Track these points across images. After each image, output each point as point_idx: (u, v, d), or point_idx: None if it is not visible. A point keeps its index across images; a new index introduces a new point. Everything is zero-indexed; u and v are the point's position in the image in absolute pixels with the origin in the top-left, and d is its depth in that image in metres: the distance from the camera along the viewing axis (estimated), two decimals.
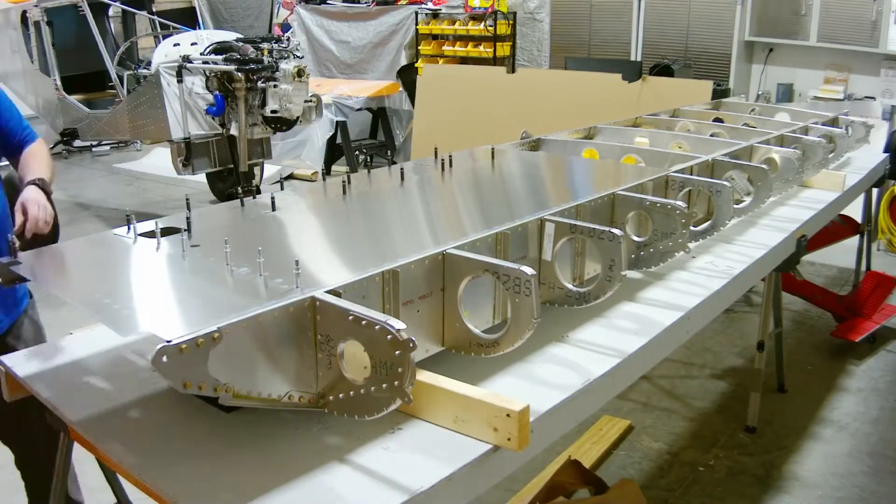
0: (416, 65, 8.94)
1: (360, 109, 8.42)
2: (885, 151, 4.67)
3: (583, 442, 3.39)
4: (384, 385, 1.42)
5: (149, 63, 5.75)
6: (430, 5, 9.31)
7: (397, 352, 1.38)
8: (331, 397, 1.53)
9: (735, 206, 2.77)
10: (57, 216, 2.28)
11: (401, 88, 8.69)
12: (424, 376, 1.61)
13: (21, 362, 1.92)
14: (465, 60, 9.06)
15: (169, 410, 1.71)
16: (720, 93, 6.58)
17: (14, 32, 7.00)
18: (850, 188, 3.72)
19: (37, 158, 2.52)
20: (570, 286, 2.03)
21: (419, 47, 9.32)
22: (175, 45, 5.62)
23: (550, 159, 2.96)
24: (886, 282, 4.83)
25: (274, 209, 2.17)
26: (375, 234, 2.07)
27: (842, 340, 4.42)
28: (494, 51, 8.88)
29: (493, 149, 3.01)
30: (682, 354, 4.24)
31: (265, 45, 5.15)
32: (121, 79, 6.12)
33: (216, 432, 1.61)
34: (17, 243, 1.75)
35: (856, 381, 4.05)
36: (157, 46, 6.08)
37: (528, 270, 1.64)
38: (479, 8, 8.90)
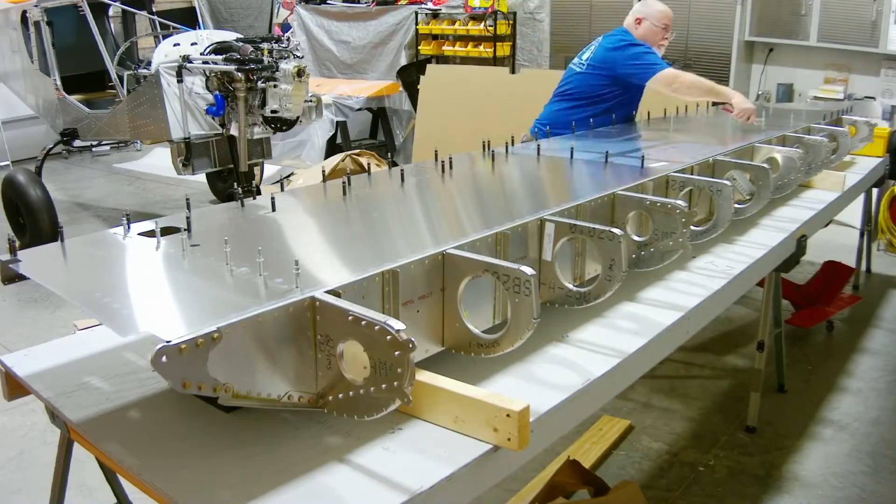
0: (428, 64, 8.93)
1: (360, 109, 8.41)
2: (886, 152, 4.67)
3: (583, 442, 3.39)
4: (383, 385, 1.42)
5: (149, 63, 5.74)
6: (430, 5, 9.31)
7: (397, 352, 1.38)
8: (330, 397, 1.53)
9: (737, 206, 2.77)
10: (57, 216, 2.30)
11: (401, 88, 8.69)
12: (424, 376, 1.61)
13: (21, 362, 1.92)
14: (465, 60, 9.06)
15: (169, 410, 1.71)
16: None
17: (14, 32, 6.99)
18: (850, 188, 3.72)
19: None
20: (570, 286, 2.03)
21: (419, 47, 9.32)
22: (175, 45, 5.62)
23: (550, 160, 2.96)
24: (843, 271, 4.84)
25: (274, 209, 2.17)
26: (375, 235, 2.07)
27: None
28: (494, 51, 8.88)
29: (493, 151, 3.01)
30: (682, 354, 4.24)
31: (265, 45, 5.14)
32: (121, 79, 6.11)
33: (216, 432, 1.61)
34: (17, 242, 1.75)
35: (856, 381, 4.04)
36: (157, 46, 6.07)
37: (528, 270, 1.64)
38: (479, 8, 8.90)
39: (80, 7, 6.18)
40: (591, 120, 3.76)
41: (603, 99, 3.94)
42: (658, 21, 3.95)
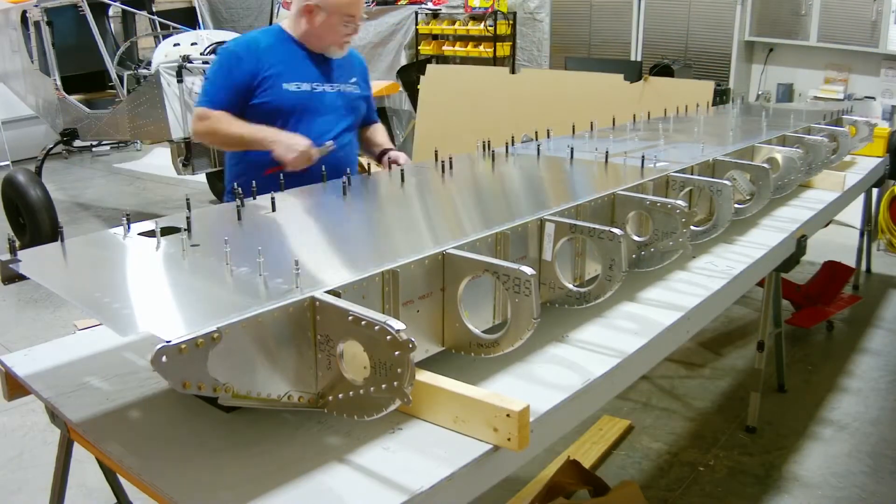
0: (428, 64, 8.93)
1: None
2: (886, 152, 4.67)
3: (583, 442, 3.39)
4: (383, 385, 1.42)
5: (149, 63, 5.75)
6: (430, 5, 9.31)
7: (396, 352, 1.38)
8: (330, 397, 1.53)
9: (737, 206, 2.77)
10: (57, 216, 2.30)
11: (401, 88, 8.69)
12: (424, 376, 1.61)
13: (21, 362, 1.92)
14: (465, 61, 9.06)
15: (169, 410, 1.71)
16: (721, 93, 6.58)
17: (14, 32, 7.00)
18: (850, 188, 3.72)
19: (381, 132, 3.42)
20: (570, 286, 2.03)
21: (419, 47, 9.32)
22: (175, 45, 5.62)
23: (550, 160, 2.96)
24: (843, 271, 4.84)
25: (274, 209, 2.16)
26: (375, 235, 2.07)
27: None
28: (494, 51, 8.88)
29: (493, 151, 3.01)
30: (682, 354, 4.24)
31: None
32: (121, 79, 6.11)
33: (216, 432, 1.61)
34: (17, 242, 1.75)
35: (856, 381, 4.04)
36: (157, 46, 6.08)
37: (528, 270, 1.64)
38: (479, 8, 8.90)
39: (80, 7, 6.18)
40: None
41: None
42: (336, 10, 2.86)
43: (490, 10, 8.81)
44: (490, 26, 8.82)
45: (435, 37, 9.34)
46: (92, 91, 7.11)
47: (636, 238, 2.36)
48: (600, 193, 2.31)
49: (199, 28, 7.26)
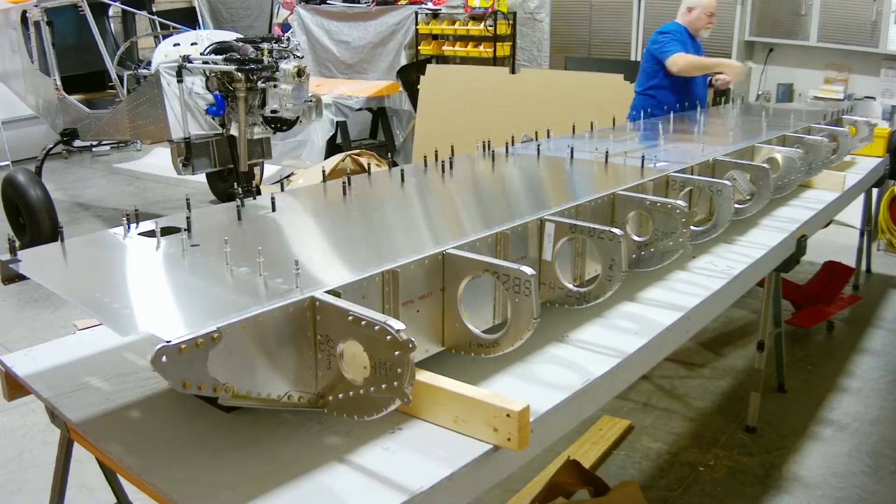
0: (428, 64, 8.94)
1: (360, 109, 8.42)
2: (886, 152, 4.67)
3: (583, 442, 3.39)
4: (383, 385, 1.42)
5: (149, 63, 5.74)
6: (430, 5, 9.31)
7: (396, 352, 1.38)
8: (330, 397, 1.53)
9: (737, 206, 2.77)
10: (57, 216, 2.29)
11: (401, 88, 8.70)
12: (424, 376, 1.61)
13: (21, 362, 1.92)
14: (465, 60, 9.07)
15: (169, 410, 1.71)
16: (721, 93, 6.57)
17: (14, 32, 6.99)
18: (850, 188, 3.72)
19: None
20: (570, 286, 2.03)
21: (419, 47, 9.32)
22: (175, 45, 5.61)
23: (550, 160, 2.96)
24: (843, 271, 4.84)
25: (274, 209, 2.17)
26: (375, 235, 2.07)
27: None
28: (494, 51, 8.88)
29: (493, 151, 3.01)
30: (682, 354, 4.24)
31: (265, 45, 5.14)
32: (121, 79, 6.11)
33: (216, 432, 1.61)
34: (17, 242, 1.75)
35: (856, 381, 4.04)
36: (157, 46, 6.08)
37: (528, 270, 1.65)
38: (479, 8, 8.91)
39: (80, 7, 6.18)
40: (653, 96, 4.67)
41: (655, 77, 4.82)
42: (705, 9, 4.89)
43: (490, 10, 8.81)
44: (490, 26, 8.82)
45: (435, 37, 9.34)
46: (92, 91, 7.10)
47: (636, 238, 2.36)
48: (600, 193, 2.31)
49: (200, 28, 7.25)
